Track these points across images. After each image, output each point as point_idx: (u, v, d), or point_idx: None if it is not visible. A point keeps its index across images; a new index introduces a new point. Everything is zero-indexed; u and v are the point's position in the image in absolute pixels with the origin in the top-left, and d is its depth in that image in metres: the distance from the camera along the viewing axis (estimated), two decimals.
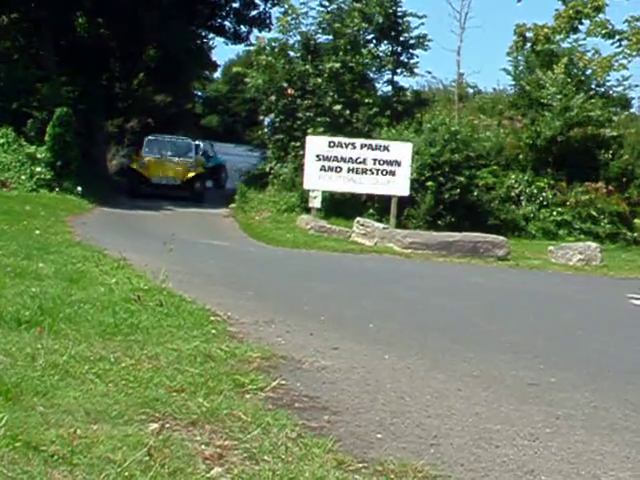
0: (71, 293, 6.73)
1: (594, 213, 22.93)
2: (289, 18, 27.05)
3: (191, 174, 26.21)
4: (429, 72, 42.34)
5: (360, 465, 3.45)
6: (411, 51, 27.45)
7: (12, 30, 31.09)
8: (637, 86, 28.39)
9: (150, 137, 28.19)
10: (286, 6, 27.62)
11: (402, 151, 20.97)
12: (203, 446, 3.51)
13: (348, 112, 25.56)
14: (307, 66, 26.06)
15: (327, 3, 27.18)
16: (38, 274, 7.67)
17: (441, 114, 24.64)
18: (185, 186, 25.95)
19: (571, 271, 15.84)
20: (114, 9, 30.53)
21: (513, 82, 26.75)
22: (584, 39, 26.21)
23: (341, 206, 22.82)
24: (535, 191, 23.52)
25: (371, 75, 27.74)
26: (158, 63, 36.63)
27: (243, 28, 37.19)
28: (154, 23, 32.29)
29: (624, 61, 25.86)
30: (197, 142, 29.35)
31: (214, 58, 55.77)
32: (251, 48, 31.27)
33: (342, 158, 20.98)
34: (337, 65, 25.79)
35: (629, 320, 9.33)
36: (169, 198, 24.86)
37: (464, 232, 18.63)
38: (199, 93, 56.46)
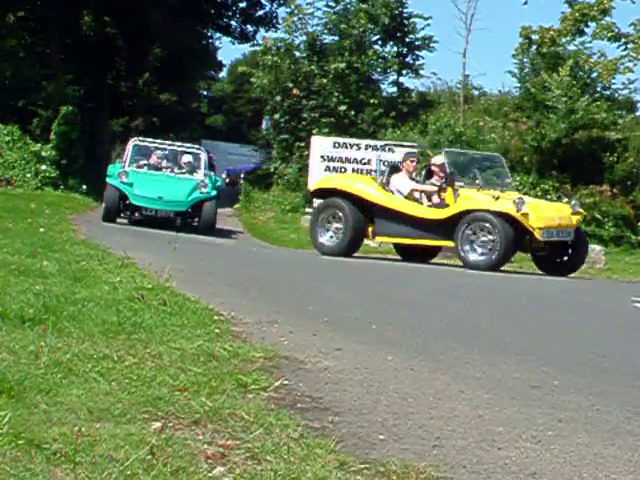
0: (75, 291, 6.75)
1: (598, 216, 22.93)
2: (295, 18, 27.14)
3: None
4: (434, 73, 42.49)
5: (362, 466, 3.45)
6: (417, 52, 27.55)
7: (18, 28, 31.18)
8: None
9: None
10: (292, 6, 27.71)
11: None
12: (205, 445, 3.51)
13: (353, 113, 25.61)
14: (312, 66, 26.11)
15: (333, 4, 27.28)
16: (42, 272, 7.68)
17: (446, 116, 24.66)
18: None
19: (575, 274, 15.82)
20: (120, 8, 30.63)
21: (518, 84, 26.79)
22: (590, 42, 26.28)
23: None
24: (539, 193, 23.52)
25: (376, 76, 27.83)
26: (164, 62, 36.74)
27: (249, 28, 37.36)
28: (160, 22, 32.40)
29: (630, 64, 25.92)
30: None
31: (220, 58, 55.92)
32: (257, 48, 31.36)
33: (347, 159, 20.99)
34: (342, 66, 25.83)
35: (633, 323, 9.32)
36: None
37: None
38: (204, 92, 56.55)
